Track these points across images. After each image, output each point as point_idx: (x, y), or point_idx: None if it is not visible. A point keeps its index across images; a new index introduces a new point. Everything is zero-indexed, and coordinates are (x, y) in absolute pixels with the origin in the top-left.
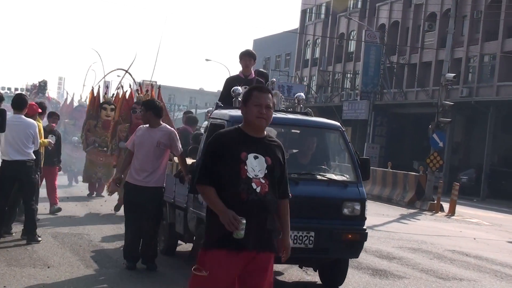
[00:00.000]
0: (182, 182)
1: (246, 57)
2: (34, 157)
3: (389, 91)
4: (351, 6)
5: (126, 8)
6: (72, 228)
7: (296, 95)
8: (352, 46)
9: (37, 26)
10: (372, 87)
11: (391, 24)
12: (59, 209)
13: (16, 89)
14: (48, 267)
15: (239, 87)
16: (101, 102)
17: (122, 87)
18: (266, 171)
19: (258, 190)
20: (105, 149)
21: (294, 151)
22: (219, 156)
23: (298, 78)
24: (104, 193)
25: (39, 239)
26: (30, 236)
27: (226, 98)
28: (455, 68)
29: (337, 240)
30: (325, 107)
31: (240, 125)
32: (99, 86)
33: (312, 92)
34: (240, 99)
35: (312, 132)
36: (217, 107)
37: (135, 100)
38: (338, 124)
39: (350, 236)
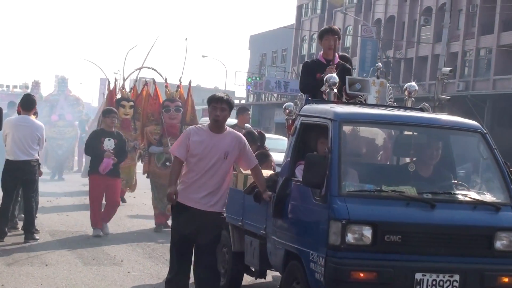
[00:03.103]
0: (258, 201)
1: (330, 35)
2: (38, 157)
3: None
4: (347, 1)
5: (123, 5)
6: (70, 226)
7: (406, 85)
8: (348, 41)
9: (36, 22)
10: None
11: (387, 19)
12: (99, 235)
13: (14, 87)
14: (46, 265)
15: (334, 75)
16: (118, 98)
17: (147, 83)
18: None
19: None
20: None
21: (408, 160)
22: None
23: (295, 74)
24: (140, 208)
25: (37, 237)
26: (28, 234)
27: (307, 88)
28: (451, 62)
29: (490, 286)
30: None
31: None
32: (115, 80)
33: None
34: (335, 90)
35: (439, 135)
36: (307, 101)
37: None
38: (477, 124)
39: (506, 280)
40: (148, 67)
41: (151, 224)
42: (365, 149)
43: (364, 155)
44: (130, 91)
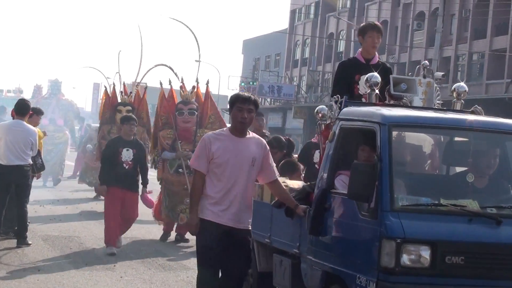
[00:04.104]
0: (290, 216)
1: (374, 32)
2: (31, 162)
3: None
4: (340, 6)
5: (116, 8)
6: (62, 231)
7: (455, 86)
8: (341, 46)
9: (30, 26)
10: None
11: (380, 23)
12: (113, 253)
13: (8, 91)
14: (39, 270)
15: (376, 74)
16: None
17: (161, 84)
18: None
19: None
20: None
21: (459, 169)
22: None
23: (288, 78)
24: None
25: (30, 242)
26: (20, 239)
27: (342, 89)
28: (444, 67)
29: None
30: (315, 107)
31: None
32: (113, 84)
33: (302, 92)
34: (377, 91)
35: (497, 141)
36: (347, 103)
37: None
38: None
39: None
40: (164, 65)
41: (143, 229)
42: (413, 157)
43: (413, 163)
44: (129, 95)
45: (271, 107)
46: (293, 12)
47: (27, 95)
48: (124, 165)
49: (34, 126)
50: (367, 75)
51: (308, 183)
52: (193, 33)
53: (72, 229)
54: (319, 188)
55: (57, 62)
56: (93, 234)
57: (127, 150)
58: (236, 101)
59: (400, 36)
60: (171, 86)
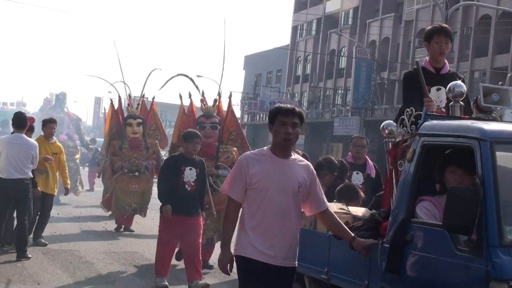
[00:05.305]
0: (363, 252)
1: (442, 37)
2: (32, 176)
3: (380, 107)
4: (342, 23)
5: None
6: (62, 245)
7: (451, 85)
8: (343, 63)
9: (31, 39)
10: (363, 103)
11: (382, 40)
12: (207, 285)
13: (11, 104)
14: (38, 284)
15: (460, 83)
16: (124, 116)
17: (181, 97)
18: None
19: None
20: (136, 174)
21: None
22: None
23: (289, 94)
24: (134, 227)
25: (29, 255)
26: (20, 252)
27: (414, 101)
28: None
29: None
30: (316, 123)
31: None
32: (119, 97)
33: (303, 108)
34: (461, 101)
35: None
36: (427, 116)
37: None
38: None
39: None
40: (185, 75)
41: (144, 243)
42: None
43: None
44: (137, 108)
45: None
46: (294, 29)
47: (30, 108)
48: (186, 186)
49: (49, 135)
50: (450, 85)
51: (377, 210)
52: (193, 81)
53: (72, 243)
54: (395, 217)
55: (60, 75)
56: (93, 248)
57: (190, 169)
58: (277, 114)
59: (402, 53)
60: (191, 100)
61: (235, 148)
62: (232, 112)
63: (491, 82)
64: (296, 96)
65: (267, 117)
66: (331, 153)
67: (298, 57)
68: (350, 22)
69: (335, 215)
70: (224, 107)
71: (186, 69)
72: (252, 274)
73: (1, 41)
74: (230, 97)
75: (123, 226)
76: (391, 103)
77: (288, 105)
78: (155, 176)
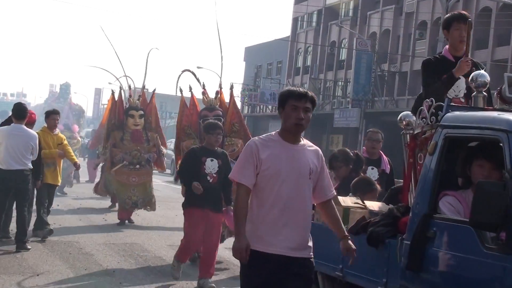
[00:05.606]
0: (375, 245)
1: (461, 24)
2: (31, 167)
3: (380, 99)
4: (342, 15)
5: (120, 14)
6: (62, 236)
7: (474, 74)
8: (343, 54)
9: (32, 30)
10: (363, 95)
11: (382, 32)
12: (177, 277)
13: (12, 95)
14: (37, 275)
15: (483, 73)
16: (126, 108)
17: (181, 91)
18: None
19: None
20: (137, 166)
21: None
22: None
23: (289, 86)
24: (134, 218)
25: (29, 247)
26: (19, 243)
27: (434, 91)
28: None
29: None
30: (316, 115)
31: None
32: (120, 88)
33: None
34: (499, 92)
35: None
36: (449, 107)
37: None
38: None
39: None
40: (188, 70)
41: (143, 234)
42: None
43: None
44: (138, 99)
45: (272, 115)
46: (295, 20)
47: (30, 99)
48: (208, 177)
49: (52, 127)
50: (472, 74)
51: (396, 205)
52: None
53: (71, 235)
54: (416, 213)
55: (61, 65)
56: (92, 239)
57: (212, 160)
58: (289, 97)
59: (402, 45)
60: (192, 93)
61: (240, 140)
62: (234, 103)
63: (491, 74)
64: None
65: (267, 109)
66: (331, 145)
67: (299, 48)
68: (350, 13)
69: (336, 209)
70: (226, 99)
71: (186, 60)
72: (255, 267)
73: (1, 31)
74: (231, 88)
75: (126, 220)
76: (391, 95)
77: (301, 89)
78: (154, 168)
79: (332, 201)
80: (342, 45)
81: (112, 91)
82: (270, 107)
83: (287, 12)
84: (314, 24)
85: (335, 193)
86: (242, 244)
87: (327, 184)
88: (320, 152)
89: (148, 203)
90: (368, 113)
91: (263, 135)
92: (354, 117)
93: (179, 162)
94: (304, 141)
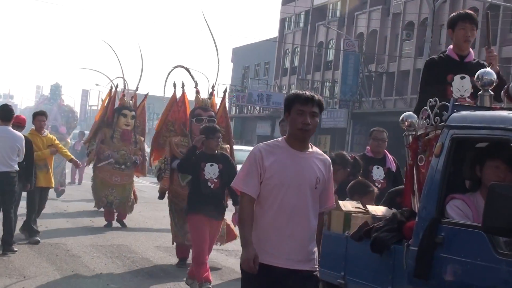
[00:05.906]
0: (379, 251)
1: (467, 23)
2: (18, 169)
3: (368, 100)
4: (330, 15)
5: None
6: (49, 238)
7: (480, 72)
8: (330, 55)
9: (19, 32)
10: (350, 96)
11: (370, 33)
12: None
13: None
14: (24, 277)
15: (490, 71)
16: (117, 107)
17: (175, 86)
18: None
19: None
20: (122, 166)
21: None
22: None
23: (277, 87)
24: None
25: (15, 249)
26: (6, 246)
27: (435, 91)
28: None
29: None
30: None
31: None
32: (117, 85)
33: None
34: (506, 91)
35: None
36: (455, 107)
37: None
38: None
39: None
40: (182, 66)
41: (131, 236)
42: None
43: None
44: (131, 100)
45: (260, 115)
46: (283, 21)
47: (17, 101)
48: (209, 183)
49: (39, 128)
50: (478, 72)
51: (399, 209)
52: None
53: (58, 237)
54: (422, 217)
55: (48, 67)
56: (80, 241)
57: (212, 165)
58: (295, 102)
59: (390, 45)
60: (183, 90)
61: (228, 145)
62: (225, 108)
63: None
64: (284, 88)
65: (255, 110)
66: (319, 145)
67: (286, 49)
68: (338, 14)
69: (322, 226)
70: (216, 101)
71: (173, 60)
72: (255, 280)
73: None
74: (225, 92)
75: (112, 222)
76: (379, 96)
77: (307, 92)
78: (136, 175)
79: (331, 210)
80: (330, 46)
81: (111, 86)
82: (257, 108)
83: (275, 12)
84: (301, 24)
85: (334, 205)
86: (250, 254)
87: (328, 196)
88: (329, 161)
89: (124, 205)
90: (356, 113)
91: (270, 141)
92: (342, 118)
93: (155, 155)
94: (313, 149)
